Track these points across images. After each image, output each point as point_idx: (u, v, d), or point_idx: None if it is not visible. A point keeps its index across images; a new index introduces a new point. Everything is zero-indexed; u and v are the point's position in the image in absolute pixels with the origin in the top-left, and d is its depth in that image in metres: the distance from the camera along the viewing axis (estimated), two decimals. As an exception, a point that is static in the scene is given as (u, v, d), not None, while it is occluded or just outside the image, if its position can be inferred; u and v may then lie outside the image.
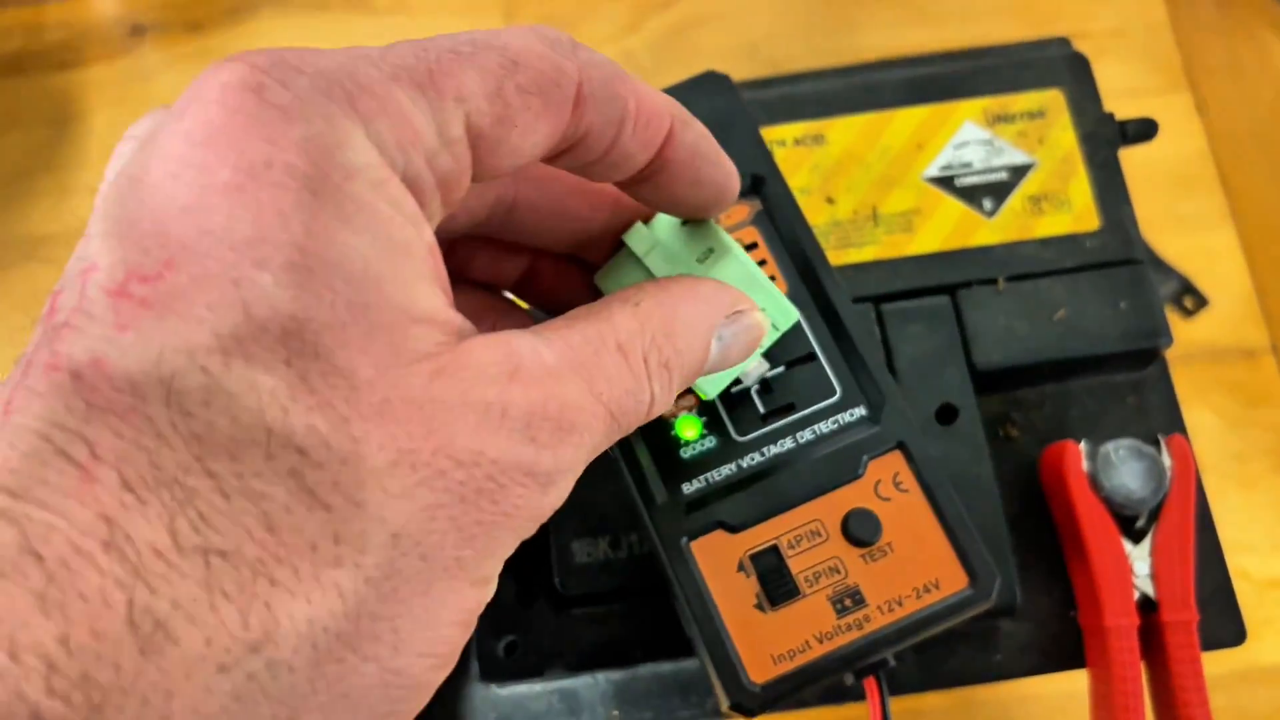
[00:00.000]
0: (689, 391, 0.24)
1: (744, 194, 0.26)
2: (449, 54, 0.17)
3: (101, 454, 0.14)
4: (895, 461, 0.25)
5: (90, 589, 0.13)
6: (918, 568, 0.24)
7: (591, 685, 0.33)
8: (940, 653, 0.33)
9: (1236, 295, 0.50)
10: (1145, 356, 0.35)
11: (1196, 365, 0.49)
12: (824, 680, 0.24)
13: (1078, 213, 0.36)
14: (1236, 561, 0.40)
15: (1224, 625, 0.33)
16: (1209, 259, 0.50)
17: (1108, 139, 0.36)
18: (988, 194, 0.36)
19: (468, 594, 0.17)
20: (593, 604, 0.33)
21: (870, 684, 0.25)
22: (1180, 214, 0.51)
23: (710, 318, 0.21)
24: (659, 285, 0.21)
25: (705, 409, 0.25)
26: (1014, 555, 0.33)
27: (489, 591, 0.18)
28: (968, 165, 0.36)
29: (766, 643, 0.24)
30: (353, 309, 0.15)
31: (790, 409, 0.25)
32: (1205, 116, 0.53)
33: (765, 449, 0.25)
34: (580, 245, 0.24)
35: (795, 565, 0.24)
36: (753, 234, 0.26)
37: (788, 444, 0.25)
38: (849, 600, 0.24)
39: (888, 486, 0.25)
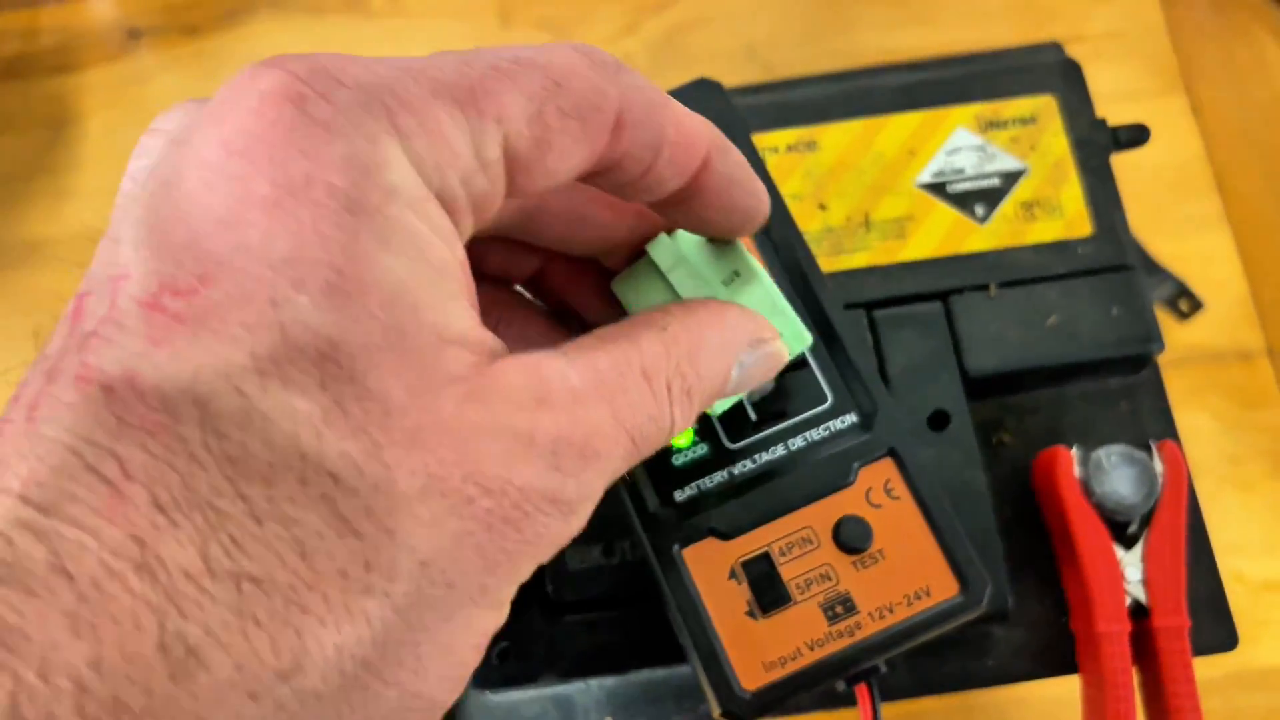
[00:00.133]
0: None
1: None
2: (492, 71, 0.17)
3: (133, 472, 0.14)
4: (886, 469, 0.25)
5: (122, 611, 0.13)
6: (908, 575, 0.24)
7: (585, 691, 0.33)
8: (933, 658, 0.33)
9: (1232, 298, 0.50)
10: (1138, 362, 0.35)
11: (1192, 368, 0.49)
12: (815, 687, 0.24)
13: (1070, 219, 0.36)
14: (1232, 564, 0.40)
15: (1216, 630, 0.33)
16: (1204, 262, 0.50)
17: (1100, 145, 0.36)
18: (980, 200, 0.36)
19: (487, 618, 0.17)
20: (586, 610, 0.33)
21: (862, 690, 0.25)
22: (1176, 217, 0.51)
23: (734, 346, 0.21)
24: (686, 310, 0.21)
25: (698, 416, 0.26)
26: (1006, 561, 0.33)
27: (505, 614, 0.18)
28: (960, 171, 0.36)
29: (758, 650, 0.24)
30: (388, 332, 0.15)
31: (782, 416, 0.26)
32: (1201, 119, 0.53)
33: (757, 456, 0.25)
34: (599, 251, 0.24)
35: (787, 572, 0.24)
36: (745, 240, 0.27)
37: (779, 451, 0.25)
38: (840, 607, 0.24)
39: (879, 493, 0.25)
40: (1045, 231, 0.35)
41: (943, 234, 0.36)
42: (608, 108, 0.18)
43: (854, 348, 0.26)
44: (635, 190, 0.20)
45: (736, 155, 0.21)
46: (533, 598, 0.33)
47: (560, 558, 0.33)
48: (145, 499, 0.14)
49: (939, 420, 0.34)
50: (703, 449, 0.25)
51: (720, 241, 0.23)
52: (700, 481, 0.25)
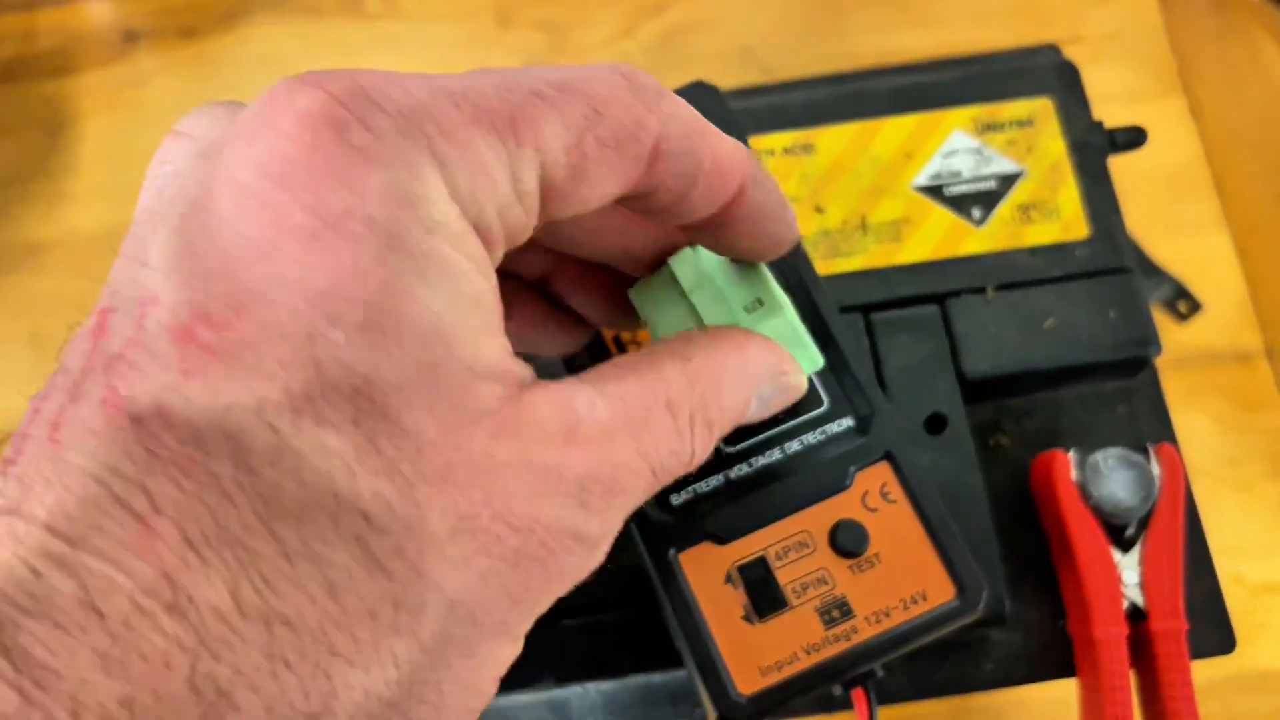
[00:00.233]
0: None
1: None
2: (534, 98, 0.16)
3: (162, 507, 0.13)
4: (883, 472, 0.25)
5: (153, 651, 0.13)
6: (905, 579, 0.24)
7: (581, 695, 0.33)
8: (930, 662, 0.33)
9: (1231, 299, 0.50)
10: (1135, 365, 0.35)
11: (1191, 370, 0.49)
12: (812, 692, 0.24)
13: (1067, 221, 0.36)
14: (1230, 566, 0.40)
15: (1214, 634, 0.33)
16: (1203, 263, 0.50)
17: (1097, 147, 0.36)
18: (977, 203, 0.36)
19: (506, 651, 0.17)
20: (582, 614, 0.33)
21: (858, 695, 0.25)
22: (1174, 218, 0.51)
23: (755, 380, 0.21)
24: (709, 340, 0.21)
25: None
26: (1003, 564, 0.33)
27: (521, 645, 0.18)
28: (957, 174, 0.36)
29: (754, 654, 0.24)
30: (421, 369, 0.15)
31: (778, 420, 0.25)
32: (1200, 120, 0.53)
33: (753, 460, 0.25)
34: (618, 260, 0.24)
35: (783, 576, 0.24)
36: None
37: (775, 455, 0.25)
38: (836, 611, 0.24)
39: (875, 497, 0.25)
40: (1042, 234, 0.35)
41: (939, 237, 0.36)
42: (646, 138, 0.17)
43: (851, 351, 0.26)
44: (666, 216, 0.20)
45: (771, 184, 0.20)
46: (529, 602, 0.33)
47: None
48: (175, 535, 0.13)
49: (936, 423, 0.33)
50: (699, 453, 0.25)
51: (744, 262, 0.23)
52: (696, 485, 0.25)
